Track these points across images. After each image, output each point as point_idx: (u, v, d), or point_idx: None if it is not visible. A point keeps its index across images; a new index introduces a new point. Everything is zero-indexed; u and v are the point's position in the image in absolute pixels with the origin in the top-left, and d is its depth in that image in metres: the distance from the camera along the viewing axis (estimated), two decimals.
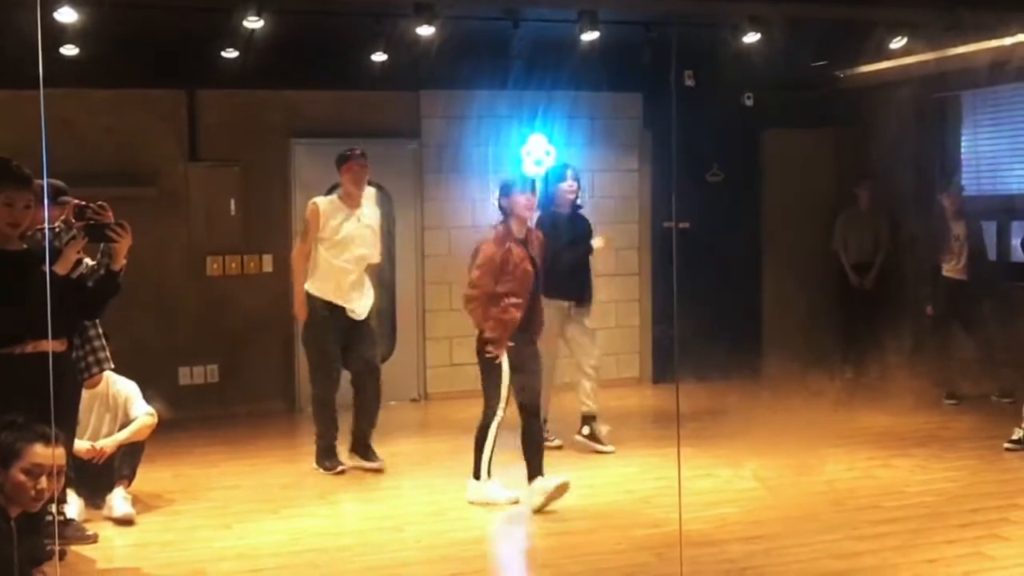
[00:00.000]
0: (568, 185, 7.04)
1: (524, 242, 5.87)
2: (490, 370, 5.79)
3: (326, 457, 6.61)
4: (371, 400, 6.66)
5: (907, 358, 8.41)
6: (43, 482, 3.78)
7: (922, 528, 5.34)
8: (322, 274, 6.54)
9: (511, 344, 5.74)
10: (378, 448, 6.69)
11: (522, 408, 5.84)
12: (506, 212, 5.91)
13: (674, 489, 5.37)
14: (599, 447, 6.94)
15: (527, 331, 5.87)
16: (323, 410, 6.61)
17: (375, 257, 6.78)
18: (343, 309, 6.53)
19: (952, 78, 8.90)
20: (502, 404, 5.80)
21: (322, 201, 6.66)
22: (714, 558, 5.02)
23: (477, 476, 5.88)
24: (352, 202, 6.63)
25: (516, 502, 5.80)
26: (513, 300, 5.72)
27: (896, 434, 7.40)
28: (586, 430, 7.01)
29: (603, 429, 7.01)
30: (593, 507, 5.81)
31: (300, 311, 6.64)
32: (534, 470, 5.80)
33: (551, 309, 6.48)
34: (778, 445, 6.86)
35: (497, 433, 5.83)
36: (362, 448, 6.67)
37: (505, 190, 5.94)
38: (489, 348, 5.73)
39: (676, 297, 5.44)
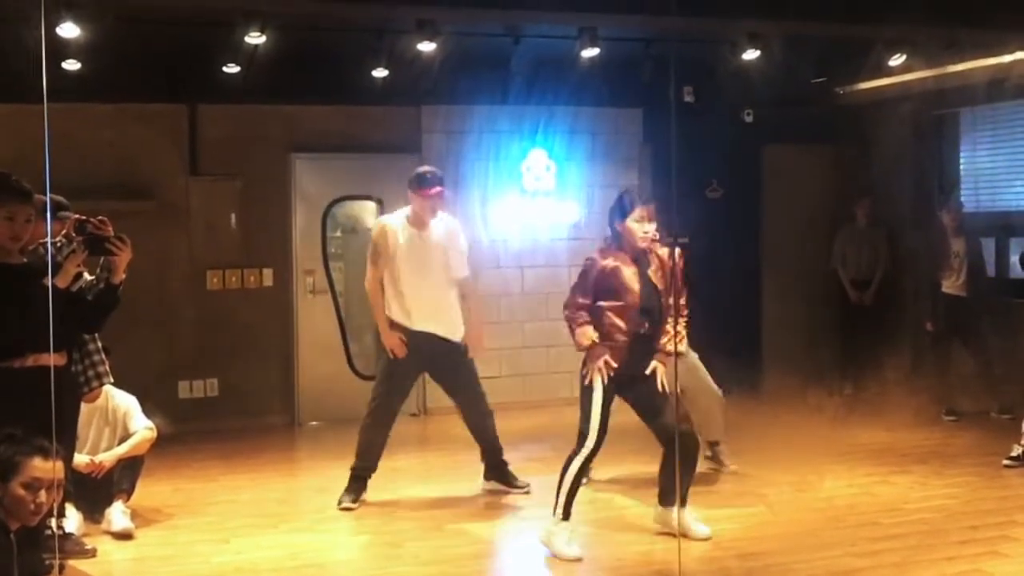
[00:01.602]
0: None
1: (637, 260, 5.24)
2: (583, 392, 5.23)
3: (351, 491, 6.23)
4: (487, 438, 6.37)
5: (906, 374, 8.43)
6: (42, 496, 3.78)
7: (921, 545, 5.33)
8: (394, 298, 6.18)
9: (614, 367, 5.14)
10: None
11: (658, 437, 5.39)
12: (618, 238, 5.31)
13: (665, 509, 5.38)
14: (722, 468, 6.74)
15: (639, 359, 5.25)
16: (371, 446, 6.23)
17: (456, 273, 6.27)
18: (424, 333, 6.14)
19: (951, 95, 8.93)
20: (592, 436, 5.16)
21: (390, 222, 6.26)
22: (713, 574, 5.01)
23: (554, 512, 5.31)
24: (421, 223, 6.20)
25: (578, 560, 5.21)
26: (614, 320, 5.15)
27: (895, 450, 7.39)
28: (707, 452, 6.69)
29: (726, 456, 6.77)
30: (591, 523, 5.79)
31: (389, 340, 6.14)
32: (665, 496, 5.45)
33: None
34: (777, 461, 6.86)
35: (584, 469, 5.31)
36: (501, 475, 6.44)
37: (620, 212, 5.30)
38: (585, 366, 5.20)
39: (675, 312, 5.41)
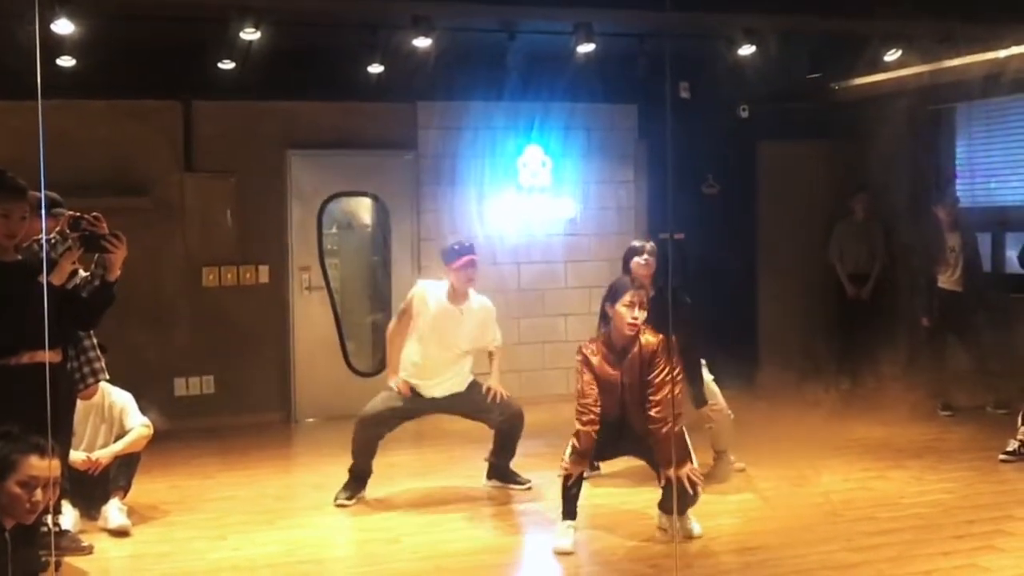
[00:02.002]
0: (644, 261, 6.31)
1: (621, 351, 5.34)
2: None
3: (348, 488, 6.25)
4: (513, 441, 6.43)
5: (902, 369, 8.43)
6: (38, 494, 3.76)
7: (917, 540, 5.34)
8: (411, 361, 6.25)
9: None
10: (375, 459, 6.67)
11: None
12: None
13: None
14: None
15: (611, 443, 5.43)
16: (368, 448, 6.25)
17: (490, 345, 6.41)
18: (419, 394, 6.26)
19: (947, 90, 8.94)
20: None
21: (429, 291, 6.27)
22: (710, 569, 5.02)
23: None
24: (456, 298, 6.24)
25: (568, 553, 5.25)
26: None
27: (891, 445, 7.40)
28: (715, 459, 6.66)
29: (731, 457, 6.70)
30: (589, 518, 5.79)
31: (394, 381, 6.26)
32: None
33: None
34: (774, 456, 6.86)
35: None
36: (504, 474, 6.50)
37: (612, 296, 5.39)
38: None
39: (671, 308, 5.42)
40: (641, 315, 5.29)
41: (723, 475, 6.49)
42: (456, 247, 6.27)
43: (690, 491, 5.25)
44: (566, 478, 5.31)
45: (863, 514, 5.82)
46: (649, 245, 6.41)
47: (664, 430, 5.21)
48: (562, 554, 5.23)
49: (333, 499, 6.18)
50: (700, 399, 6.36)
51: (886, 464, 6.87)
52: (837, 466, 6.80)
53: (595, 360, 5.36)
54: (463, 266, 6.17)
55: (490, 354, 6.45)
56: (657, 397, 5.25)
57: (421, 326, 6.21)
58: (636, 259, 6.29)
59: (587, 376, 5.33)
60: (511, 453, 6.50)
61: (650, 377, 5.28)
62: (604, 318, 5.50)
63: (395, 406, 6.24)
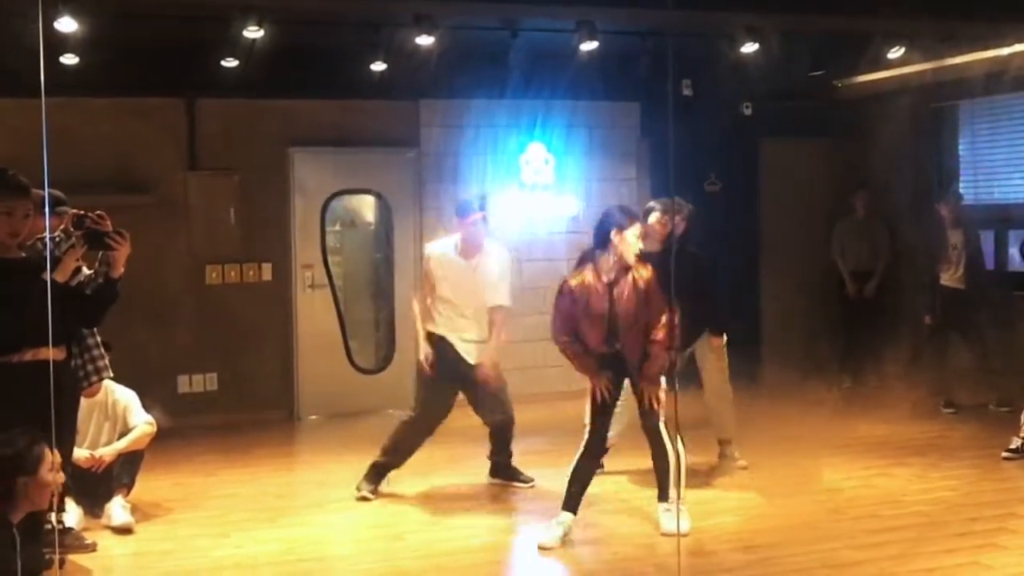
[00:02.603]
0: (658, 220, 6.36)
1: (612, 279, 5.36)
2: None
3: (370, 480, 6.27)
4: (505, 438, 6.45)
5: (905, 367, 8.42)
6: (60, 478, 4.04)
7: (920, 537, 5.34)
8: (437, 318, 6.27)
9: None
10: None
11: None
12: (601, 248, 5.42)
13: (671, 497, 5.39)
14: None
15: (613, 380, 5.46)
16: (403, 445, 6.28)
17: (491, 301, 6.24)
18: (455, 348, 6.21)
19: (949, 88, 8.93)
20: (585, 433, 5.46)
21: (434, 250, 6.34)
22: (712, 567, 5.02)
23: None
24: (467, 253, 6.25)
25: (546, 548, 5.31)
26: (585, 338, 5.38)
27: (894, 443, 7.40)
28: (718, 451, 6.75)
29: (735, 452, 6.76)
30: (591, 516, 5.80)
31: (423, 352, 6.22)
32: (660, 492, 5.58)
33: None
34: (776, 454, 6.86)
35: (580, 466, 5.46)
36: (506, 472, 6.51)
37: (616, 222, 5.38)
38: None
39: (673, 305, 5.42)
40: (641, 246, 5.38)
41: (726, 470, 6.49)
42: (465, 203, 6.33)
43: (647, 407, 5.40)
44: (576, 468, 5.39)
45: (866, 512, 5.82)
46: (661, 205, 6.45)
47: (659, 346, 5.31)
48: (544, 549, 5.27)
49: (355, 491, 6.19)
50: (719, 323, 6.55)
51: (888, 462, 6.87)
52: (840, 464, 6.80)
53: (581, 288, 5.32)
54: (473, 222, 6.21)
55: (490, 316, 6.25)
56: (659, 321, 5.32)
57: (439, 286, 6.23)
58: (654, 215, 6.37)
59: (563, 312, 5.36)
60: (508, 449, 6.50)
61: (648, 306, 5.31)
62: (600, 244, 5.40)
63: (435, 405, 6.23)
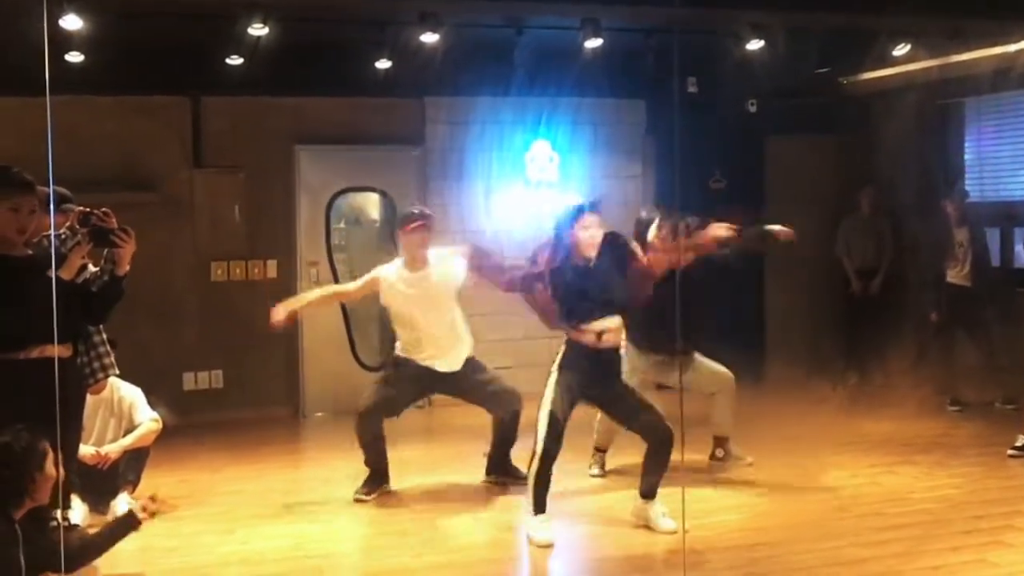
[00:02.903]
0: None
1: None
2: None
3: (366, 483, 6.27)
4: (513, 432, 6.41)
5: (911, 364, 8.41)
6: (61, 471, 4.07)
7: (926, 535, 5.34)
8: (403, 333, 6.35)
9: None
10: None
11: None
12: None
13: (676, 495, 5.38)
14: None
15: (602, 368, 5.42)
16: (373, 442, 6.27)
17: (455, 282, 6.32)
18: (425, 367, 6.27)
19: (955, 85, 8.92)
20: (542, 433, 5.26)
21: (383, 273, 6.37)
22: (717, 564, 5.02)
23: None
24: (414, 264, 6.31)
25: (547, 546, 5.30)
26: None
27: (900, 441, 7.39)
28: (719, 452, 6.68)
29: (739, 449, 6.71)
30: (595, 513, 5.80)
31: (277, 312, 6.17)
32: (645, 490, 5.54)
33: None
34: (781, 451, 6.86)
35: (539, 468, 5.29)
36: (504, 468, 6.50)
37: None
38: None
39: (678, 303, 5.41)
40: (598, 233, 5.34)
41: (729, 466, 6.48)
42: (407, 213, 6.40)
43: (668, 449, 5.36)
44: (538, 469, 5.28)
45: (871, 509, 5.82)
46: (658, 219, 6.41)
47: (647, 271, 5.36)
48: (544, 546, 5.26)
49: (353, 495, 6.19)
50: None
51: (894, 459, 6.86)
52: (844, 461, 6.79)
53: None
54: (414, 230, 6.25)
55: (469, 263, 6.20)
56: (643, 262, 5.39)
57: (398, 306, 6.28)
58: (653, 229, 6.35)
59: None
60: (510, 445, 6.48)
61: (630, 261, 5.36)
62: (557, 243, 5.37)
63: (391, 399, 6.27)
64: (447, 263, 6.32)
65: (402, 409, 6.42)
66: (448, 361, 6.30)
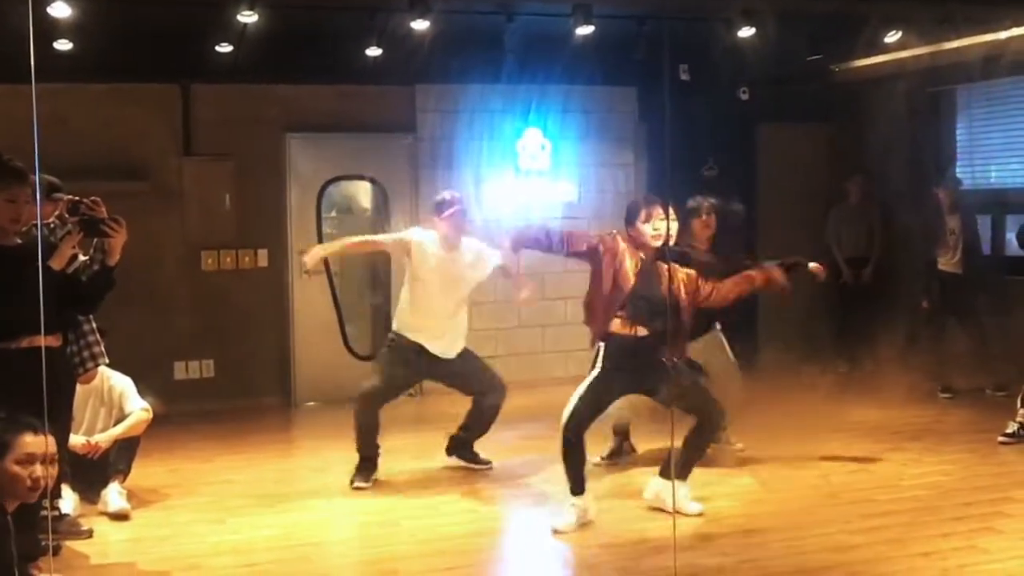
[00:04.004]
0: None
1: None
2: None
3: (361, 471, 6.27)
4: (490, 421, 6.48)
5: (901, 352, 8.42)
6: (38, 471, 3.80)
7: (916, 521, 5.35)
8: (409, 309, 6.34)
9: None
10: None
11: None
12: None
13: (667, 482, 5.40)
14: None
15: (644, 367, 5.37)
16: (369, 427, 6.28)
17: (492, 266, 6.43)
18: (419, 346, 6.30)
19: (947, 72, 8.91)
20: (563, 421, 5.28)
21: (425, 239, 6.34)
22: (708, 552, 5.03)
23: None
24: (448, 246, 6.33)
25: (560, 532, 5.30)
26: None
27: (890, 427, 7.41)
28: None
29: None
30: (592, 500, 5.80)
31: (312, 257, 6.34)
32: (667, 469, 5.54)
33: None
34: (772, 438, 6.87)
35: (562, 451, 5.33)
36: (467, 452, 6.57)
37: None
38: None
39: (671, 290, 5.41)
40: (662, 226, 5.32)
41: (724, 459, 6.49)
42: (444, 199, 6.37)
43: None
44: (562, 452, 5.30)
45: (862, 496, 5.83)
46: (707, 204, 6.52)
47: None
48: (558, 533, 5.26)
49: (349, 483, 6.17)
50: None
51: (885, 446, 6.88)
52: (835, 448, 6.80)
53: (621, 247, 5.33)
54: (451, 215, 6.27)
55: (502, 268, 6.42)
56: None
57: (423, 273, 6.27)
58: (696, 220, 6.48)
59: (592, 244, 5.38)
60: (482, 434, 6.55)
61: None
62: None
63: (392, 382, 6.30)
64: (480, 255, 6.40)
65: (402, 392, 6.48)
66: (442, 346, 6.31)
